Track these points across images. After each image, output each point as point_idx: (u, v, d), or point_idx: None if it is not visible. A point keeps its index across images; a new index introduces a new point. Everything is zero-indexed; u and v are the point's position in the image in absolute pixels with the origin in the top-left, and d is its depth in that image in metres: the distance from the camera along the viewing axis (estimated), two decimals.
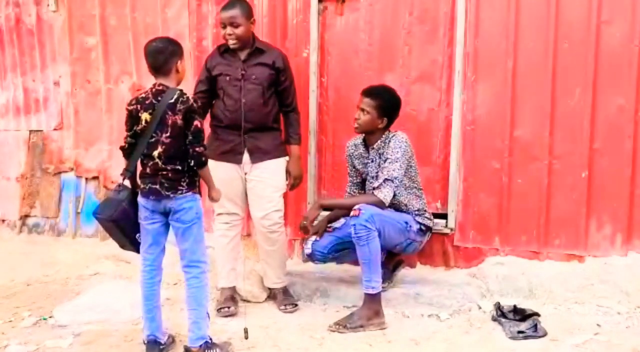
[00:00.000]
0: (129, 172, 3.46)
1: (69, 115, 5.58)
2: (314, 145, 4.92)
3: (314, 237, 4.21)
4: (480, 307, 4.27)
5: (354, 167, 4.38)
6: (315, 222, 4.25)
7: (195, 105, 3.39)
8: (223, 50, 4.27)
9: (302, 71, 4.90)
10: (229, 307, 4.22)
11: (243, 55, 4.22)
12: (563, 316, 4.15)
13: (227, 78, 4.19)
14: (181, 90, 3.42)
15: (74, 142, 5.59)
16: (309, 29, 4.90)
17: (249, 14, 4.20)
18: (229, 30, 4.14)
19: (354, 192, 4.42)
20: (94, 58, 5.47)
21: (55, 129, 5.64)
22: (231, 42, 4.18)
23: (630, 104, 4.35)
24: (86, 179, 5.60)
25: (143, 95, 3.45)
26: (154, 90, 3.42)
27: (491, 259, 4.66)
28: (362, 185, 4.43)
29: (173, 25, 5.21)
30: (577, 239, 4.51)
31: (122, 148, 3.53)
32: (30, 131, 5.74)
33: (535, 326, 3.86)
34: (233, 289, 4.40)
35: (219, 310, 4.21)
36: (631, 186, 4.40)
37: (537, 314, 3.98)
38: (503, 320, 4.00)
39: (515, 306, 4.07)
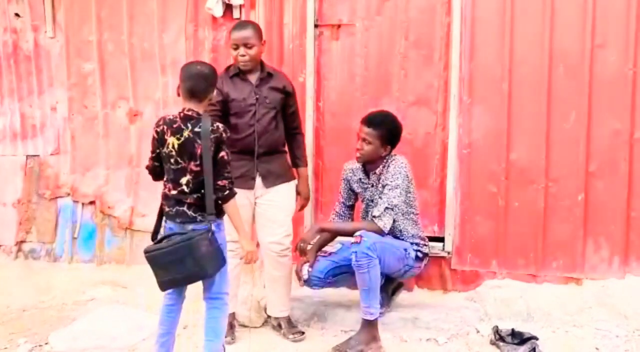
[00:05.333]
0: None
1: (66, 141, 5.58)
2: (311, 169, 4.92)
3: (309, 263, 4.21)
4: (478, 331, 4.26)
5: (350, 189, 4.37)
6: (308, 247, 4.23)
7: (224, 135, 3.34)
8: (232, 74, 4.21)
9: (299, 96, 4.88)
10: (225, 336, 4.17)
11: (254, 79, 4.18)
12: (561, 339, 4.13)
13: (242, 103, 4.13)
14: (212, 119, 3.38)
15: (70, 167, 5.58)
16: (305, 54, 4.93)
17: (260, 35, 4.17)
18: (242, 51, 4.08)
19: (343, 212, 4.40)
20: (90, 83, 5.48)
21: (52, 154, 5.64)
22: (243, 64, 4.12)
23: (625, 127, 4.39)
24: (83, 204, 5.59)
25: (171, 117, 3.41)
26: (182, 114, 3.37)
27: (489, 282, 4.66)
28: (352, 207, 4.43)
29: (170, 50, 5.24)
30: (574, 262, 4.51)
31: (147, 168, 3.52)
32: (27, 156, 5.73)
33: (534, 349, 3.84)
34: (232, 315, 4.36)
35: None
36: (627, 208, 4.42)
37: (536, 338, 3.97)
38: (501, 344, 3.98)
39: (513, 330, 4.05)
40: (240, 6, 4.99)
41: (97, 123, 5.48)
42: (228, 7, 5.00)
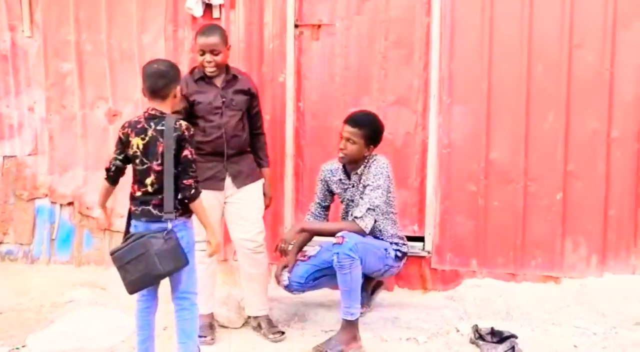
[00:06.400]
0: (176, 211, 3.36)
1: (44, 141, 5.52)
2: (291, 170, 4.93)
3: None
4: (458, 330, 4.27)
5: (328, 190, 4.36)
6: (289, 247, 4.21)
7: (187, 133, 3.32)
8: (197, 78, 4.22)
9: (279, 96, 4.92)
10: (206, 336, 4.17)
11: (219, 82, 4.20)
12: (540, 337, 4.16)
13: (207, 106, 4.15)
14: (176, 117, 3.37)
15: (48, 167, 5.52)
16: (285, 54, 4.92)
17: (226, 40, 4.21)
18: (208, 57, 4.11)
19: (319, 213, 4.38)
20: (69, 83, 5.43)
21: (29, 155, 5.58)
22: (210, 70, 4.15)
23: (602, 126, 4.44)
24: (61, 205, 5.54)
25: (136, 119, 3.40)
26: (146, 114, 3.37)
27: (468, 281, 4.68)
28: (327, 208, 4.41)
29: (149, 51, 5.19)
30: (553, 261, 4.55)
31: (107, 169, 3.47)
32: (4, 157, 5.65)
33: (513, 348, 3.86)
34: (211, 315, 4.36)
35: None
36: (605, 207, 4.47)
37: (515, 336, 3.99)
38: (481, 342, 4.00)
39: (492, 329, 4.07)
40: (220, 6, 4.97)
41: (75, 123, 5.43)
42: (208, 7, 4.98)
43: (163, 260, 3.24)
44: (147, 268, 3.25)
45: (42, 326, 4.46)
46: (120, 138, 3.41)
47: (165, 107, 3.39)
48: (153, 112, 3.36)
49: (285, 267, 4.20)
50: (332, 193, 4.36)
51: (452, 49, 4.64)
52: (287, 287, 4.18)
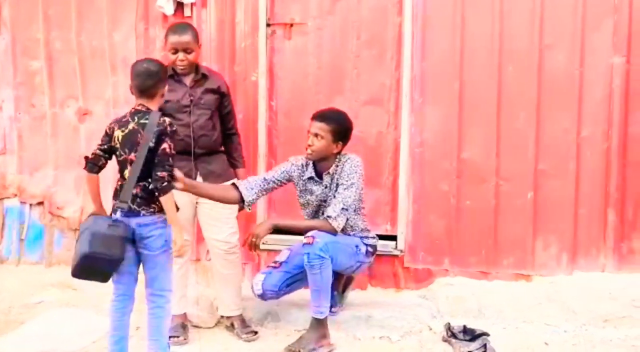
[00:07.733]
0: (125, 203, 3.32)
1: (13, 140, 5.45)
2: (264, 169, 4.91)
3: (262, 276, 4.15)
4: (430, 328, 4.29)
5: (284, 182, 4.22)
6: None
7: (169, 128, 3.35)
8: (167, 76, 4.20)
9: (251, 95, 4.91)
10: (178, 336, 4.15)
11: (188, 81, 4.19)
12: (512, 335, 4.20)
13: (176, 105, 4.14)
14: (161, 113, 3.41)
15: (17, 167, 5.45)
16: (257, 53, 4.90)
17: (198, 38, 4.21)
18: (181, 56, 4.10)
19: (254, 186, 4.07)
20: (38, 82, 5.36)
21: None
22: (181, 68, 4.14)
23: (573, 126, 4.48)
24: (30, 205, 5.47)
25: (123, 115, 3.45)
26: (132, 110, 3.41)
27: (441, 280, 4.70)
28: (264, 193, 4.20)
29: (120, 49, 5.16)
30: (524, 259, 4.59)
31: (85, 157, 3.45)
32: None
33: (485, 345, 3.89)
34: (184, 316, 4.34)
35: (169, 338, 4.13)
36: (575, 206, 4.51)
37: (487, 334, 4.02)
38: (453, 340, 4.03)
39: (465, 326, 4.10)
40: (192, 4, 4.94)
41: (45, 122, 5.37)
42: (179, 6, 4.94)
43: (95, 241, 3.21)
44: (83, 246, 3.24)
45: (12, 328, 4.39)
46: (106, 131, 3.45)
47: (152, 105, 3.43)
48: (139, 107, 3.41)
49: (258, 274, 4.17)
50: (280, 185, 4.22)
51: (423, 48, 4.66)
52: (261, 296, 4.13)
